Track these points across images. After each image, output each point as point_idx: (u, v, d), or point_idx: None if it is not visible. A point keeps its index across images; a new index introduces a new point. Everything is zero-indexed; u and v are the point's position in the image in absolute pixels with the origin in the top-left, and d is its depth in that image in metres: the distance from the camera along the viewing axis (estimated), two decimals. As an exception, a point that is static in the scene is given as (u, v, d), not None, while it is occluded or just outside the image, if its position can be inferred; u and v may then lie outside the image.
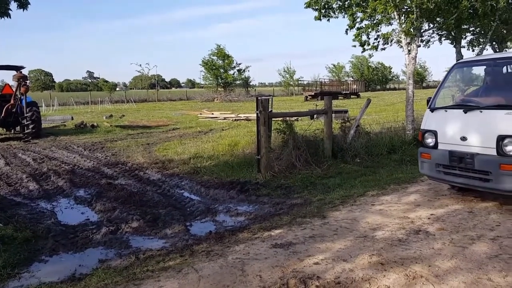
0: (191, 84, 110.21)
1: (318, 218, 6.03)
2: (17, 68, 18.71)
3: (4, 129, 19.64)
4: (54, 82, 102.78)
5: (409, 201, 6.63)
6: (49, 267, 5.10)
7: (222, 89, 54.24)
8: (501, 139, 5.64)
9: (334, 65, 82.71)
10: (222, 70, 55.08)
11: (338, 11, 12.06)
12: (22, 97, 17.75)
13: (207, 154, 11.67)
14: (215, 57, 55.08)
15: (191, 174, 9.68)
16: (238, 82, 58.26)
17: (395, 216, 5.89)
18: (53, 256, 5.38)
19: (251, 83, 61.96)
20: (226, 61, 55.03)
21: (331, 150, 10.04)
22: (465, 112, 6.18)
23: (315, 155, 9.81)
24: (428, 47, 14.58)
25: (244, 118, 23.28)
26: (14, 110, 17.81)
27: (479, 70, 7.54)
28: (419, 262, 4.37)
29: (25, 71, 19.11)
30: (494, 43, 15.98)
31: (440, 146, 6.53)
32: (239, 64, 56.56)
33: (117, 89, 75.41)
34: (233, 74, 56.11)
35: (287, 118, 10.39)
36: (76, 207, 7.59)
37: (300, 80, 64.44)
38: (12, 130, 19.43)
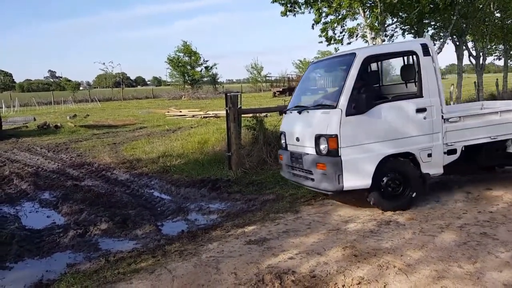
0: (157, 82, 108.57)
1: (291, 213, 6.04)
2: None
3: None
4: (15, 82, 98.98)
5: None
6: (14, 274, 4.89)
7: (190, 86, 53.63)
8: (317, 138, 5.65)
9: (300, 61, 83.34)
10: (189, 67, 54.43)
11: (304, 6, 12.13)
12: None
13: (177, 152, 11.51)
14: (181, 54, 54.41)
15: (161, 173, 9.52)
16: (205, 79, 57.78)
17: (366, 208, 5.96)
18: (18, 263, 5.17)
19: (218, 80, 61.66)
20: (193, 57, 54.41)
21: (301, 144, 10.06)
22: (299, 113, 6.15)
23: (286, 150, 9.80)
24: (393, 41, 14.89)
25: (213, 115, 23.12)
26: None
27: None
28: (391, 252, 4.43)
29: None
30: (454, 36, 16.47)
31: (288, 147, 6.58)
32: (207, 61, 56.14)
33: (81, 88, 73.34)
34: (201, 71, 55.59)
35: (257, 114, 10.37)
36: (41, 211, 7.31)
37: (268, 76, 64.62)
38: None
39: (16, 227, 6.35)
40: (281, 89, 46.54)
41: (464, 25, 15.74)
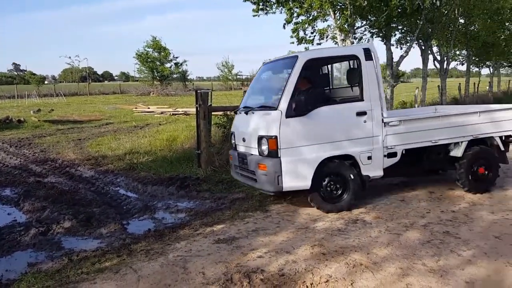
0: (125, 77, 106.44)
1: (260, 211, 6.04)
2: None
3: None
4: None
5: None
6: (-30, 274, 4.66)
7: (159, 82, 52.76)
8: (260, 139, 5.76)
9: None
10: (158, 63, 53.55)
11: (276, 5, 12.15)
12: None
13: (144, 149, 11.30)
14: (150, 50, 53.45)
15: (127, 170, 9.32)
16: (175, 75, 57.01)
17: (334, 207, 6.03)
18: (-25, 262, 4.93)
19: (188, 77, 60.98)
20: (162, 53, 53.56)
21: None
22: (246, 114, 6.24)
23: (256, 149, 9.80)
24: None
25: (183, 112, 22.87)
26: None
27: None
28: (358, 250, 4.51)
29: None
30: (420, 41, 16.93)
31: (237, 148, 6.69)
32: (176, 57, 55.37)
33: (46, 82, 70.91)
34: (170, 67, 54.82)
35: (227, 112, 10.29)
36: (2, 208, 7.01)
37: (238, 75, 64.54)
38: None
39: (-28, 225, 6.07)
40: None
41: (430, 30, 16.20)
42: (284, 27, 12.40)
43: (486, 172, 6.47)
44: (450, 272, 3.97)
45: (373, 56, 5.89)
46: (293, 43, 12.79)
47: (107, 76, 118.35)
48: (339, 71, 7.11)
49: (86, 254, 4.85)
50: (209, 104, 9.30)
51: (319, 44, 12.78)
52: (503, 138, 6.71)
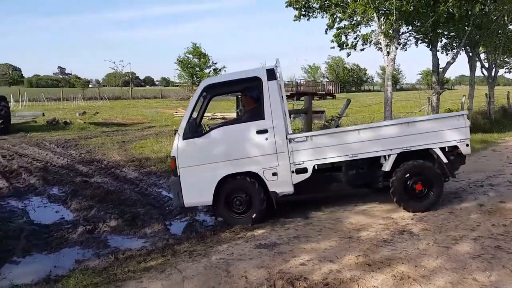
0: (166, 82, 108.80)
1: (301, 218, 5.97)
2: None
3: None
4: (23, 77, 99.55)
5: (391, 202, 6.62)
6: (22, 269, 4.86)
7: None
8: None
9: (309, 66, 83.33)
10: (197, 69, 54.52)
11: (318, 10, 12.06)
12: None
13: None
14: (190, 56, 54.51)
15: (169, 172, 9.44)
16: (214, 81, 57.78)
17: (379, 217, 5.89)
18: (26, 257, 5.14)
19: (227, 83, 61.57)
20: (202, 59, 54.50)
21: (311, 150, 9.99)
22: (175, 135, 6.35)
23: (295, 154, 9.74)
24: (405, 50, 14.81)
25: (221, 117, 23.08)
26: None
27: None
28: (405, 262, 4.36)
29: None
30: (467, 47, 16.35)
31: None
32: (215, 63, 56.18)
33: (90, 86, 73.75)
34: (209, 73, 55.63)
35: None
36: (50, 206, 7.30)
37: (276, 80, 64.49)
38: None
39: (24, 221, 6.36)
40: (289, 93, 46.44)
41: (478, 36, 15.62)
42: (326, 32, 12.30)
43: (425, 189, 5.97)
44: (503, 288, 3.77)
45: (276, 75, 5.93)
46: (333, 47, 12.67)
47: (149, 81, 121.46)
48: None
49: (132, 253, 4.96)
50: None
51: (362, 50, 12.59)
52: (447, 150, 6.03)
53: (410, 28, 12.89)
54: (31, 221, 6.38)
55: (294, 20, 12.34)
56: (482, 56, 18.98)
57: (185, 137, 5.80)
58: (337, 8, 11.82)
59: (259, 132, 5.80)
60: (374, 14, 11.25)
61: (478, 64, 17.83)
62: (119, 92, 56.56)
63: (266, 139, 5.79)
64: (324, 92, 50.75)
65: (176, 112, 27.25)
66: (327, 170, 6.13)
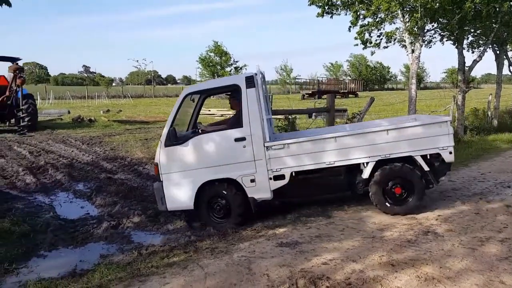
0: (187, 80, 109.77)
1: (323, 217, 5.94)
2: (13, 60, 18.43)
3: (-1, 122, 19.40)
4: (49, 75, 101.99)
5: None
6: (49, 262, 4.99)
7: (219, 86, 53.92)
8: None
9: (331, 64, 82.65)
10: (219, 67, 54.76)
11: (341, 8, 11.95)
12: (18, 89, 17.50)
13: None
14: (212, 54, 54.78)
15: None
16: (235, 79, 57.97)
17: (402, 217, 5.80)
18: (53, 251, 5.27)
19: (248, 81, 61.65)
20: (223, 58, 54.71)
21: (333, 148, 9.92)
22: None
23: (317, 153, 9.68)
24: (430, 47, 14.52)
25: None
26: (10, 102, 17.56)
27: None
28: (429, 263, 4.28)
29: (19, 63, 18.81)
30: (495, 45, 15.93)
31: None
32: (237, 61, 56.30)
33: (114, 84, 74.92)
34: (230, 71, 55.80)
35: (288, 115, 10.30)
36: (76, 201, 7.46)
37: (297, 78, 64.30)
38: (7, 123, 19.17)
39: (51, 216, 6.51)
40: (310, 92, 46.24)
41: (506, 34, 15.19)
42: (349, 29, 12.16)
43: (405, 193, 5.85)
44: (534, 293, 3.66)
45: (255, 83, 5.91)
46: (357, 45, 12.52)
47: (171, 80, 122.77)
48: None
49: (155, 248, 5.03)
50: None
51: (386, 47, 12.42)
52: (428, 157, 5.81)
53: (436, 25, 12.62)
54: (57, 216, 6.53)
55: (317, 17, 12.28)
56: (510, 54, 18.45)
57: (167, 144, 5.93)
58: (361, 5, 11.68)
59: (237, 140, 5.86)
60: (399, 11, 11.08)
61: (506, 62, 17.34)
62: (142, 90, 57.36)
63: (244, 146, 5.85)
64: (346, 91, 50.27)
65: (198, 110, 27.44)
66: (306, 176, 6.06)
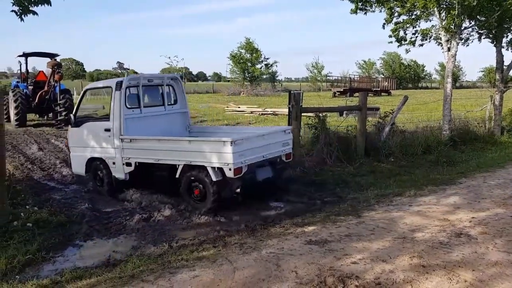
0: (217, 77, 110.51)
1: (353, 216, 5.88)
2: (52, 56, 19.08)
3: (37, 115, 20.12)
4: (85, 71, 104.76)
5: (449, 203, 6.39)
6: (83, 252, 5.16)
7: (249, 83, 54.06)
8: None
9: (364, 62, 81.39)
10: (249, 64, 54.90)
11: (375, 4, 11.75)
12: (55, 84, 18.10)
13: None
14: (243, 51, 54.96)
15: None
16: (265, 76, 57.98)
17: (435, 218, 5.68)
18: (87, 241, 5.44)
19: (277, 78, 61.58)
20: (254, 55, 54.81)
21: (364, 147, 9.82)
22: None
23: (347, 152, 9.61)
24: (467, 45, 14.08)
25: (271, 112, 23.12)
26: (48, 96, 18.19)
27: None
28: (462, 266, 4.19)
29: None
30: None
31: None
32: (267, 58, 56.27)
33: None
34: (261, 68, 55.87)
35: (319, 113, 10.21)
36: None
37: (328, 76, 63.66)
38: (45, 116, 19.88)
39: (86, 207, 6.73)
40: (341, 90, 45.65)
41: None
42: (383, 27, 11.97)
43: (202, 195, 6.47)
44: None
45: (122, 87, 7.23)
46: (391, 42, 12.30)
47: (201, 76, 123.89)
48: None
49: (185, 242, 5.12)
50: (300, 105, 9.30)
51: (421, 45, 12.14)
52: (217, 169, 6.25)
53: (473, 23, 12.23)
54: (92, 208, 6.74)
55: (351, 14, 12.12)
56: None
57: (72, 126, 7.95)
58: (396, 2, 11.47)
59: (106, 130, 7.37)
60: (435, 8, 10.82)
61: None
62: (173, 86, 58.06)
63: (109, 136, 7.31)
64: (379, 89, 49.36)
65: (227, 107, 27.62)
66: (147, 168, 7.15)
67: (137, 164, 7.09)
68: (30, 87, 18.68)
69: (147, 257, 4.66)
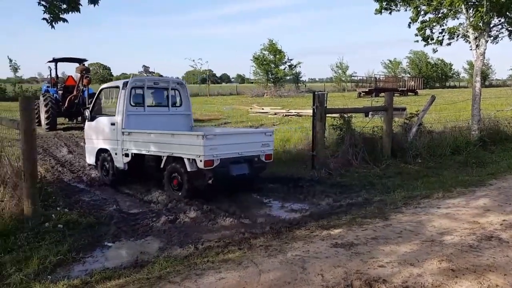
0: (241, 79, 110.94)
1: (379, 219, 5.80)
2: (80, 61, 19.57)
3: (67, 119, 20.66)
4: (112, 75, 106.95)
5: (478, 206, 6.24)
6: (112, 253, 5.26)
7: (272, 84, 54.04)
8: None
9: (390, 61, 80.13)
10: (273, 65, 54.87)
11: (401, 3, 11.57)
12: (84, 88, 18.55)
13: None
14: (266, 52, 54.98)
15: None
16: (288, 77, 57.87)
17: (464, 221, 5.55)
18: (116, 242, 5.53)
19: (301, 79, 61.37)
20: (277, 56, 54.76)
21: (390, 149, 9.67)
22: None
23: (373, 153, 9.51)
24: (497, 43, 13.69)
25: (295, 113, 23.06)
26: (77, 101, 18.65)
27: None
28: (493, 270, 4.08)
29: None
30: None
31: None
32: (291, 59, 56.14)
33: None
34: (284, 69, 55.77)
35: (344, 114, 10.13)
36: (137, 195, 7.78)
37: (353, 76, 62.96)
38: (74, 120, 20.39)
39: (114, 209, 6.86)
40: (367, 90, 45.06)
41: None
42: (409, 26, 11.79)
43: (180, 184, 7.23)
44: None
45: (127, 86, 8.28)
46: (417, 41, 12.10)
47: (225, 78, 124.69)
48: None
49: (210, 244, 5.15)
50: (325, 105, 9.24)
51: (449, 44, 11.88)
52: (192, 160, 6.91)
53: (503, 19, 11.89)
54: (120, 209, 6.86)
55: (375, 14, 11.97)
56: None
57: (88, 120, 8.98)
58: (422, 0, 11.27)
59: (112, 124, 8.38)
60: (462, 6, 10.59)
61: None
62: (197, 89, 58.68)
63: (114, 129, 8.28)
64: (405, 88, 48.46)
65: (251, 108, 27.71)
66: (141, 158, 8.13)
67: (133, 155, 8.00)
68: (60, 92, 19.19)
69: (173, 258, 4.72)
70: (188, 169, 6.94)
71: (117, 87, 8.59)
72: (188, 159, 6.93)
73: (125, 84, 8.33)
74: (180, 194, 7.17)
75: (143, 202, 7.35)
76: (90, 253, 5.16)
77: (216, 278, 4.08)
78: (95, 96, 9.33)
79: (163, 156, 7.42)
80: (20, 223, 5.55)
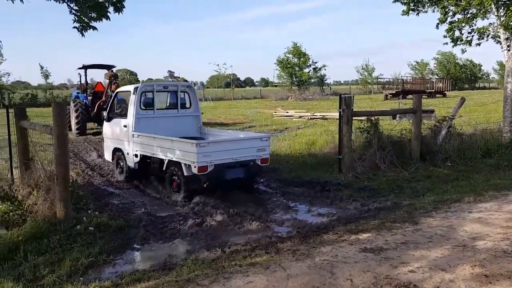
0: (265, 83, 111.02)
1: (409, 223, 5.70)
2: (109, 67, 20.01)
3: (96, 124, 21.12)
4: (139, 81, 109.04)
5: (511, 210, 6.05)
6: (141, 255, 5.35)
7: (297, 87, 53.80)
8: None
9: (417, 62, 78.67)
10: (297, 69, 54.63)
11: (428, 4, 11.37)
12: (112, 94, 18.92)
13: (284, 152, 11.62)
14: (290, 55, 54.78)
15: (270, 171, 9.64)
16: (313, 80, 57.49)
17: (497, 225, 5.40)
18: (144, 245, 5.63)
19: (326, 81, 60.83)
20: (302, 59, 54.49)
21: (419, 152, 9.48)
22: None
23: (401, 156, 9.34)
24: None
25: (320, 116, 22.90)
26: (105, 106, 19.04)
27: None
28: (529, 277, 3.94)
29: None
30: None
31: None
32: (315, 62, 55.78)
33: (196, 87, 77.85)
34: (309, 72, 55.44)
35: (371, 117, 9.99)
36: (164, 199, 7.88)
37: (379, 78, 62.04)
38: (103, 125, 20.79)
39: (142, 212, 6.97)
40: (393, 92, 44.33)
41: None
42: (437, 27, 11.56)
43: (179, 187, 7.68)
44: None
45: (137, 91, 8.80)
46: (446, 43, 11.85)
47: (249, 82, 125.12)
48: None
49: (237, 247, 5.17)
50: (351, 108, 9.15)
51: (478, 45, 11.59)
52: (188, 165, 7.26)
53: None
54: (148, 212, 6.97)
55: (402, 15, 11.81)
56: None
57: (106, 120, 9.65)
58: (450, 1, 11.04)
59: (124, 126, 8.96)
60: (492, 5, 10.31)
61: None
62: (222, 93, 59.03)
63: (126, 131, 8.86)
64: (433, 90, 47.46)
65: (275, 112, 27.67)
66: (148, 159, 8.49)
67: (141, 156, 8.54)
68: (89, 98, 19.64)
69: (201, 261, 4.76)
70: (185, 173, 7.35)
71: (129, 91, 9.18)
72: (185, 164, 7.32)
73: (135, 89, 8.88)
74: (179, 195, 7.63)
75: (170, 205, 7.44)
76: (120, 255, 5.26)
77: (244, 282, 4.09)
78: (111, 99, 10.09)
79: (165, 160, 7.83)
80: (53, 225, 5.71)
